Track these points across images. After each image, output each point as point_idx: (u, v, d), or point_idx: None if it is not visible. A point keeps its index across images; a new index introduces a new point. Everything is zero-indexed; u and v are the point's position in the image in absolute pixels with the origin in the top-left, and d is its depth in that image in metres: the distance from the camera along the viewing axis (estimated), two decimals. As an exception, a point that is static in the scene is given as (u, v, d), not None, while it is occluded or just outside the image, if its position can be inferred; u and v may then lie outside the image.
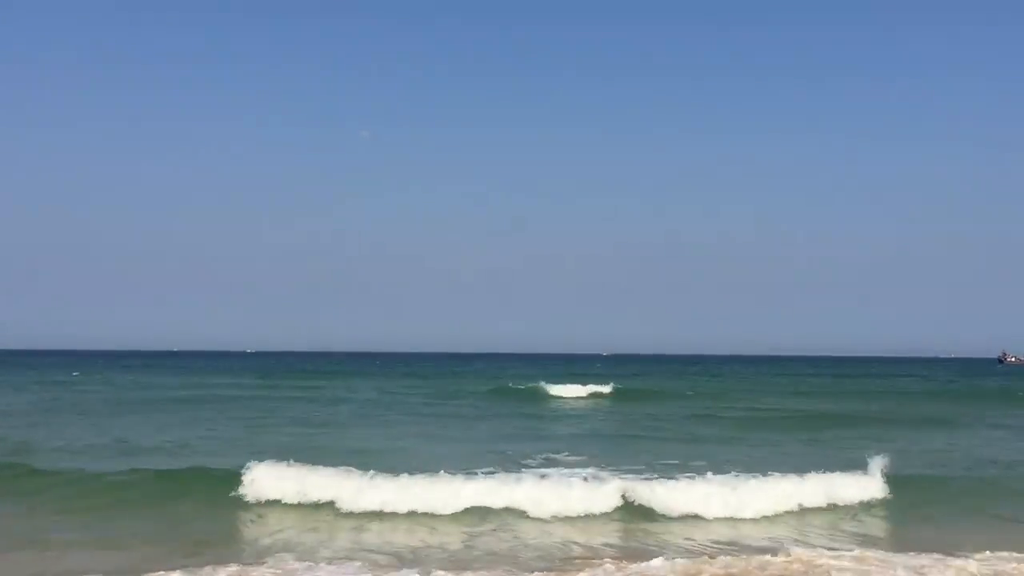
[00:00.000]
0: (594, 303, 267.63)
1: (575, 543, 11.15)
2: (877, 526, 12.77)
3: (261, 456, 14.45)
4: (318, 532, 11.67)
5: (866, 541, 11.44)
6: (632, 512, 12.73)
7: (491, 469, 15.19)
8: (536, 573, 9.58)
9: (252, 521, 12.38)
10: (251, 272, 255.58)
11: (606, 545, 11.10)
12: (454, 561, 10.13)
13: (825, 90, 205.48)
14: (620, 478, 13.88)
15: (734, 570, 9.57)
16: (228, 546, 10.84)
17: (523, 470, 15.30)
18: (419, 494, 12.83)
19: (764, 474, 13.90)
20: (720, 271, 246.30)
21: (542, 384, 42.74)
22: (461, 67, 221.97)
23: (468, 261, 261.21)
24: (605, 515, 12.63)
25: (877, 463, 14.53)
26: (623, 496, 13.09)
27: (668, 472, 15.33)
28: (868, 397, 42.26)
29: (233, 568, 9.48)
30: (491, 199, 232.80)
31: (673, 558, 10.08)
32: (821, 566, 9.72)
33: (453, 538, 11.39)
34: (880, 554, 10.40)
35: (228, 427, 24.38)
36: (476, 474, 13.81)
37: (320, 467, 13.69)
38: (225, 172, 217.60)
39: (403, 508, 12.58)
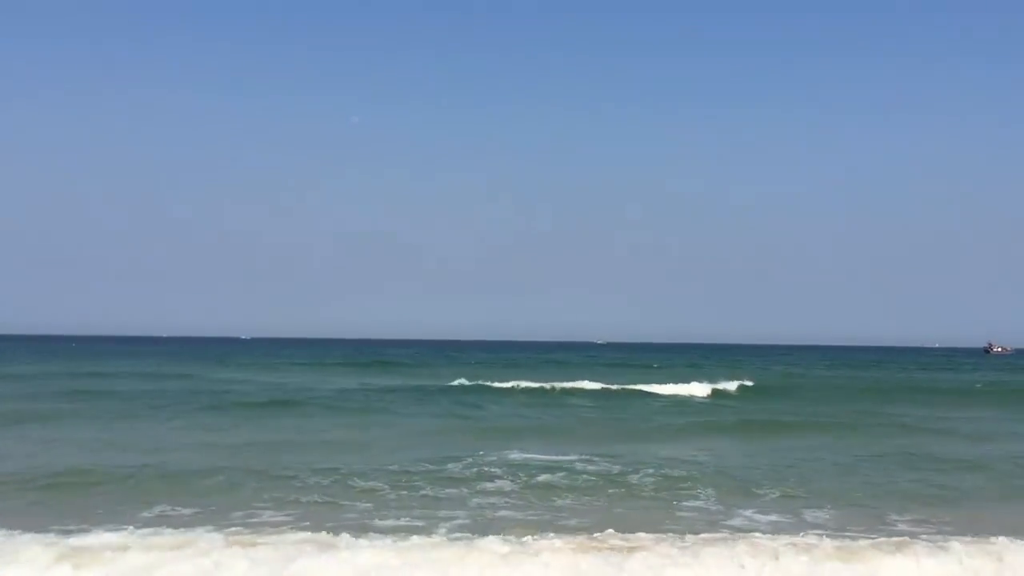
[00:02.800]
0: (586, 291, 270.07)
1: None
2: None
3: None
4: None
5: None
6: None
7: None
8: None
9: None
10: (243, 259, 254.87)
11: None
12: None
13: (820, 85, 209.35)
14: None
15: None
16: None
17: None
18: None
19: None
20: (711, 261, 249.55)
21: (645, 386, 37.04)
22: (451, 53, 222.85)
23: (459, 247, 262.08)
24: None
25: None
26: None
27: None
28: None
29: None
30: (482, 185, 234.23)
31: None
32: None
33: None
34: None
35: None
36: None
37: None
38: (215, 158, 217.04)
39: None
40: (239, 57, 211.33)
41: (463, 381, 38.50)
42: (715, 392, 36.36)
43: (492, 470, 15.14)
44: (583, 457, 16.72)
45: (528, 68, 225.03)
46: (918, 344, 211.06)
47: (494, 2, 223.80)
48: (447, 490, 13.44)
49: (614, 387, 37.01)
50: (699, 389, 36.52)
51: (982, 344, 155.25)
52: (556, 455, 16.95)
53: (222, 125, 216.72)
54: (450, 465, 15.59)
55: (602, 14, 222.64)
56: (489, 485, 13.83)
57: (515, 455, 16.92)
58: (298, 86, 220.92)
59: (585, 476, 14.70)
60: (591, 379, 39.30)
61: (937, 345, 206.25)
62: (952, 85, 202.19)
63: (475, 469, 15.24)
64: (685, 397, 34.84)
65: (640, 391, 35.83)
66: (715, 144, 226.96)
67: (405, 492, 13.24)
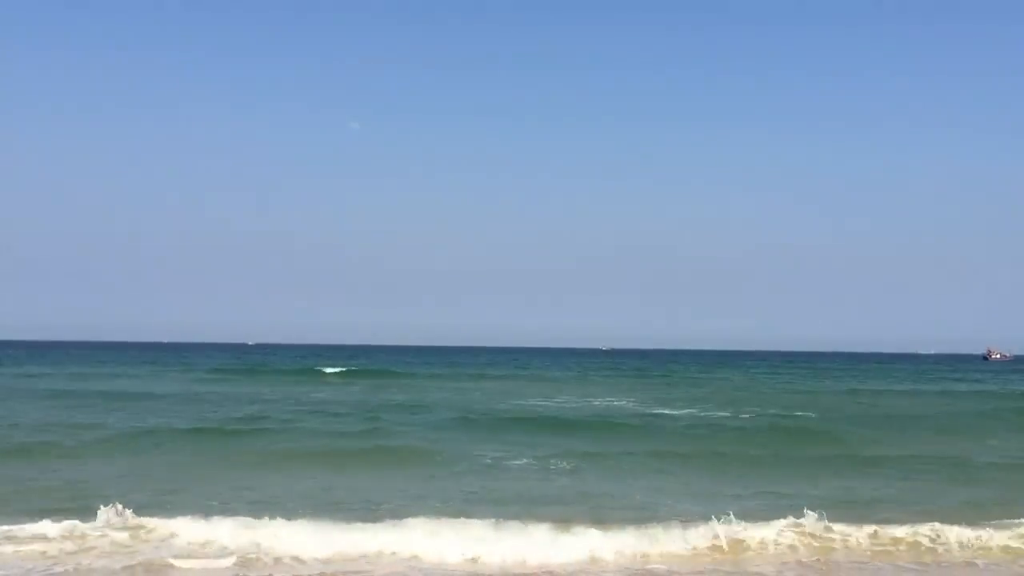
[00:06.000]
0: (591, 297, 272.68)
1: None
2: None
3: None
4: None
5: None
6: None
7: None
8: None
9: None
10: (245, 264, 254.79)
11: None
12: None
13: (817, 94, 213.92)
14: None
15: None
16: None
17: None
18: None
19: None
20: (712, 270, 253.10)
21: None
22: (450, 60, 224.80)
23: (459, 252, 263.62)
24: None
25: None
26: None
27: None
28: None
29: None
30: (483, 191, 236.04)
31: None
32: None
33: None
34: None
35: None
36: None
37: None
38: (217, 164, 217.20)
39: None
40: (240, 62, 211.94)
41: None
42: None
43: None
44: None
45: (529, 74, 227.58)
46: (912, 350, 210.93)
47: (499, 11, 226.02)
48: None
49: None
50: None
51: (979, 350, 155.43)
52: None
53: (225, 129, 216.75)
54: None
55: (603, 28, 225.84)
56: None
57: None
58: (298, 92, 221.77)
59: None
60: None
61: (933, 351, 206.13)
62: (951, 91, 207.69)
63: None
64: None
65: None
66: (716, 150, 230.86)
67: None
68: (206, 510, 13.00)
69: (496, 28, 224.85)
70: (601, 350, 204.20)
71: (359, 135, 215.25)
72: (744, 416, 31.56)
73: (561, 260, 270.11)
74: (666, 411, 34.10)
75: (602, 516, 13.38)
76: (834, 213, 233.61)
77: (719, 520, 12.35)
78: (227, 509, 13.44)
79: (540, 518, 12.82)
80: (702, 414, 32.48)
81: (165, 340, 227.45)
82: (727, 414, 32.60)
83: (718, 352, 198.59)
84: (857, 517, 13.38)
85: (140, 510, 12.55)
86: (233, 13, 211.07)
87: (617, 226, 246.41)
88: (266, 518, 12.38)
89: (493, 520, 12.68)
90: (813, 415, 32.42)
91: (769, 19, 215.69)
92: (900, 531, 12.57)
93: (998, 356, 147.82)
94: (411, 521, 12.57)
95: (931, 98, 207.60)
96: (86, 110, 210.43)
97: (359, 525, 12.48)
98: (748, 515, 12.89)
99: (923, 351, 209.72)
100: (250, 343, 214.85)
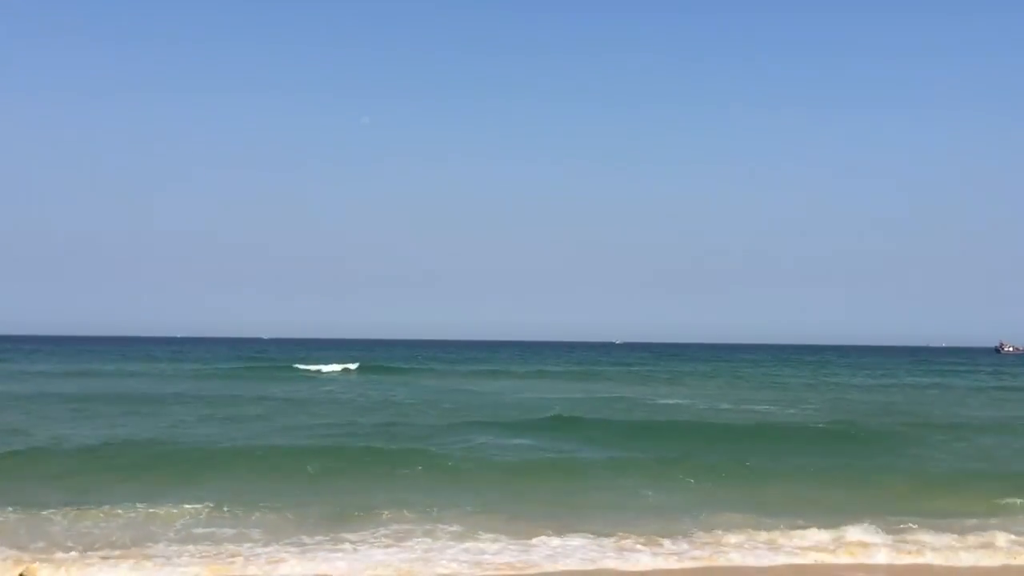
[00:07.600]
0: (602, 290, 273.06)
1: None
2: None
3: None
4: None
5: None
6: None
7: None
8: None
9: None
10: (257, 259, 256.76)
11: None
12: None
13: (826, 87, 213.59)
14: None
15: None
16: None
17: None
18: None
19: None
20: (721, 261, 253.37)
21: None
22: (462, 54, 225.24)
23: (470, 248, 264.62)
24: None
25: None
26: None
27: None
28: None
29: None
30: (494, 186, 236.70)
31: None
32: None
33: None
34: None
35: None
36: None
37: None
38: (228, 163, 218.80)
39: None
40: (248, 58, 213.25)
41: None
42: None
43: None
44: None
45: (539, 69, 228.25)
46: (923, 343, 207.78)
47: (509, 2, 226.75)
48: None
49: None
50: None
51: (991, 343, 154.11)
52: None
53: (231, 127, 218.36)
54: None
55: (615, 19, 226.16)
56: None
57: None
58: (308, 86, 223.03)
59: None
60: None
61: (944, 344, 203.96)
62: (959, 81, 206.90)
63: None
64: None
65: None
66: (719, 147, 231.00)
67: None
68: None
69: (504, 30, 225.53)
70: (614, 343, 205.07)
71: (370, 130, 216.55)
72: (739, 410, 32.42)
73: (575, 254, 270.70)
74: (671, 401, 35.17)
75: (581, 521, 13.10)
76: (843, 207, 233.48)
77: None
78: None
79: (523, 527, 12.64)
80: (704, 407, 33.47)
81: (179, 335, 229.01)
82: (727, 406, 33.81)
83: (728, 345, 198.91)
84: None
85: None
86: (242, 8, 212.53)
87: (628, 220, 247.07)
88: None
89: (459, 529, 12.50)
90: (826, 412, 31.85)
91: (774, 10, 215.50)
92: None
93: (1011, 349, 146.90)
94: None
95: (942, 87, 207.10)
96: (100, 103, 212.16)
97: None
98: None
99: (933, 344, 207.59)
100: (265, 338, 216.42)
